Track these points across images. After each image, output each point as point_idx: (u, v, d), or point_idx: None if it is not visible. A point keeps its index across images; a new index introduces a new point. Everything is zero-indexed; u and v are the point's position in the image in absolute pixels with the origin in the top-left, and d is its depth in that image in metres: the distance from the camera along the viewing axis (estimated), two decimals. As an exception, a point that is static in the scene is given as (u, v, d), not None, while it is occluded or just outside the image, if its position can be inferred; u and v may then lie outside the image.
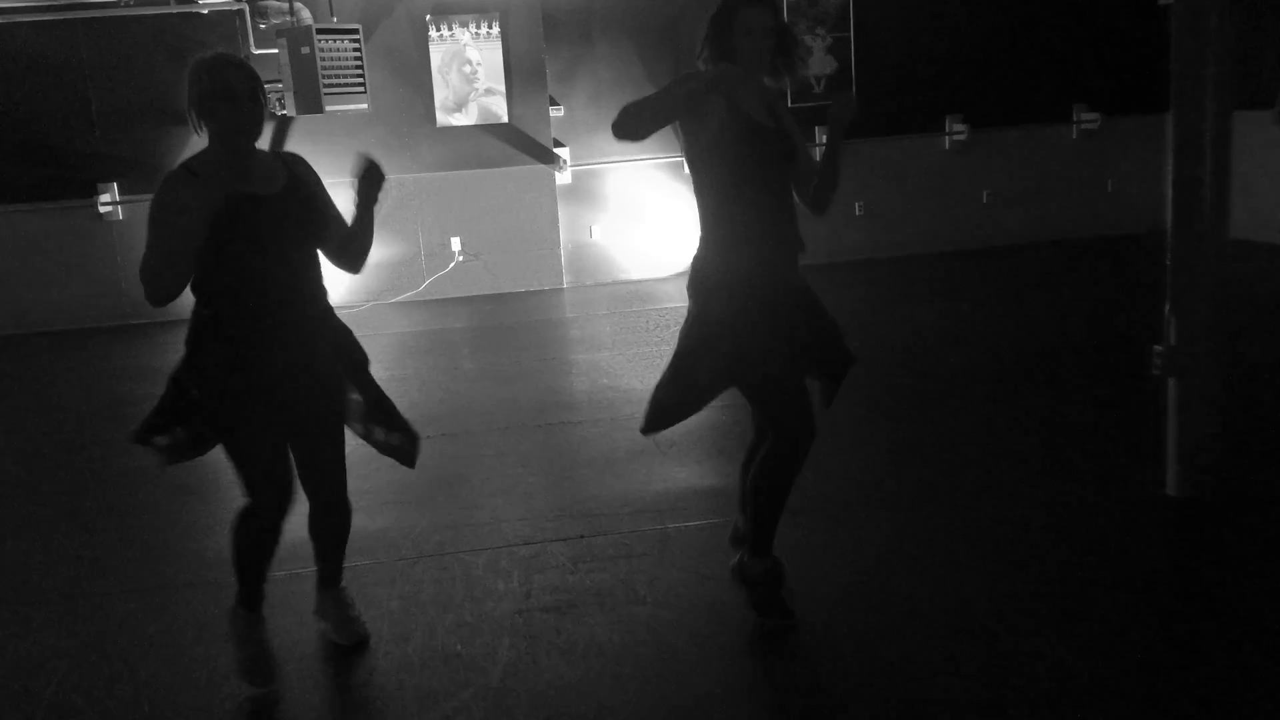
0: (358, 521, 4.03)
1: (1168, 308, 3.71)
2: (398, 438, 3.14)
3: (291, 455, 2.98)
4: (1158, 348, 3.75)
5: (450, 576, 3.59)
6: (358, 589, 3.50)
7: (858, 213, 9.64)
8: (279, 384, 2.85)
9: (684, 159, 3.14)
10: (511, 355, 6.92)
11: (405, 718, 2.78)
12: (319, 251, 2.97)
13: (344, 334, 3.07)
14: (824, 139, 3.07)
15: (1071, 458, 4.37)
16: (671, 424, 3.21)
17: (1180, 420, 3.76)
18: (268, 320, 2.81)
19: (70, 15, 8.28)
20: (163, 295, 2.69)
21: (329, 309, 3.01)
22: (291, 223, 2.82)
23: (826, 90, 9.40)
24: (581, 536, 3.83)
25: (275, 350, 2.83)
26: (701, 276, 3.06)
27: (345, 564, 3.32)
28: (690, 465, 4.56)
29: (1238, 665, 2.79)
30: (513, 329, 7.78)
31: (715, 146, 2.97)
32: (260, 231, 2.76)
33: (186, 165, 2.78)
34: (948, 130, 9.67)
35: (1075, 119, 9.83)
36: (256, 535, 2.98)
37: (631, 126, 2.84)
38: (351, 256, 3.03)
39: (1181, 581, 3.35)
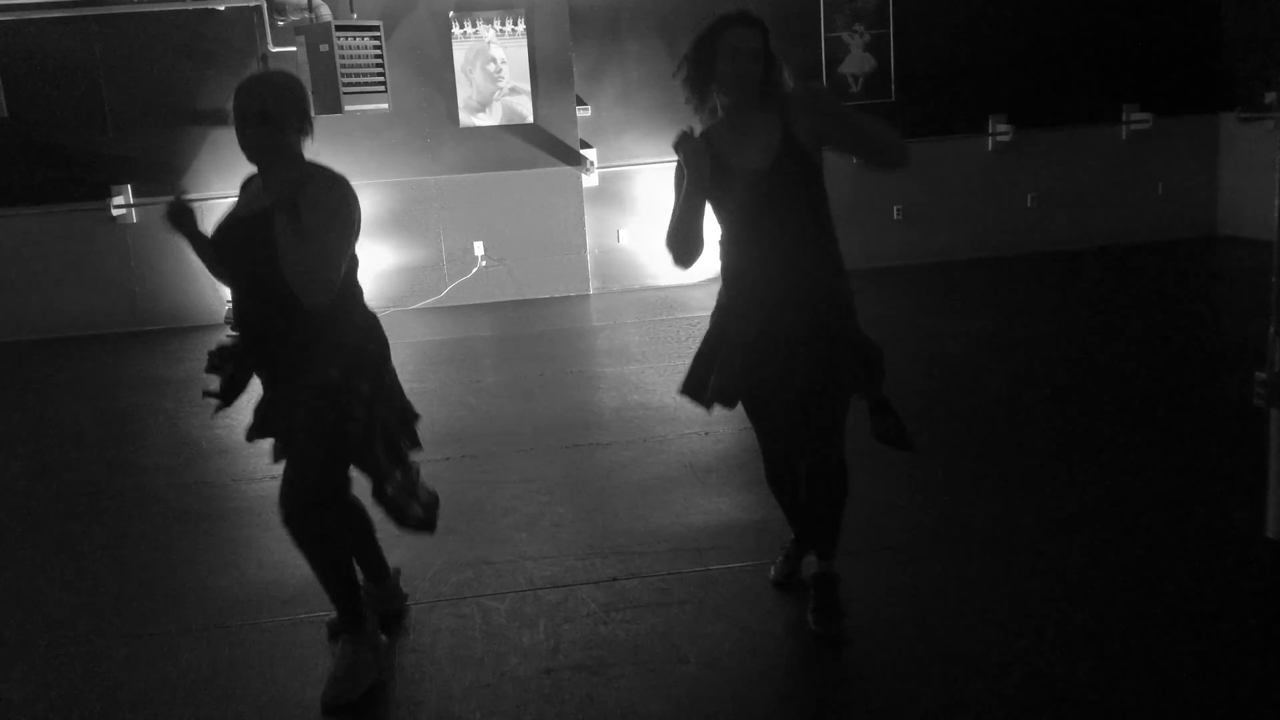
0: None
1: (1272, 330, 3.32)
2: (415, 506, 3.06)
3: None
4: (1261, 375, 3.37)
5: (469, 625, 3.25)
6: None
7: (896, 217, 9.26)
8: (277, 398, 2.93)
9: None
10: (536, 367, 6.58)
11: (417, 802, 2.45)
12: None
13: (350, 349, 2.92)
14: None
15: (1148, 491, 3.98)
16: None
17: None
18: (251, 340, 2.89)
19: (83, 12, 8.02)
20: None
21: (337, 324, 2.88)
22: (258, 244, 2.72)
23: (864, 89, 9.02)
24: (614, 579, 3.48)
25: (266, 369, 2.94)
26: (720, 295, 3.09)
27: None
28: (731, 494, 4.20)
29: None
30: (537, 338, 7.45)
31: (712, 199, 2.94)
32: (233, 253, 2.85)
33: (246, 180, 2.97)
34: (991, 131, 9.26)
35: (1125, 119, 9.39)
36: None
37: (683, 252, 2.90)
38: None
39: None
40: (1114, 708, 2.63)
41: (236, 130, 2.79)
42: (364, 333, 2.97)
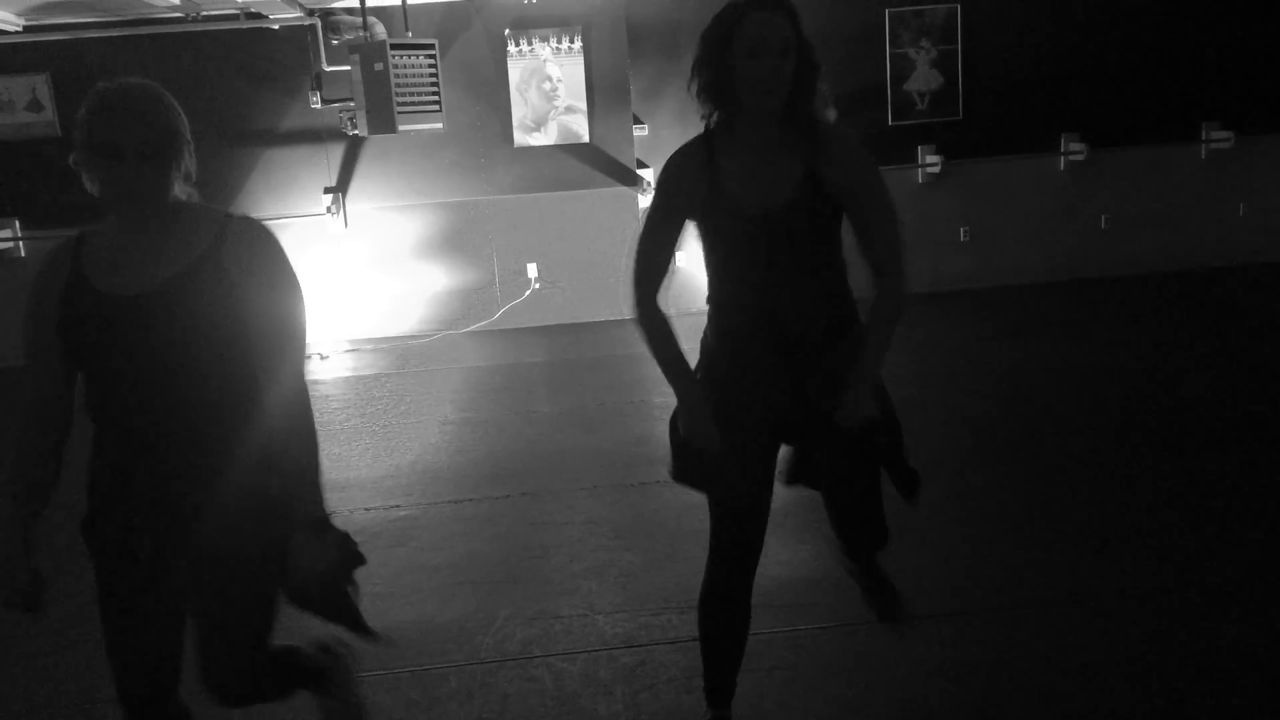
0: (427, 611, 3.50)
1: None
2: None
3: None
4: None
5: (539, 690, 2.99)
6: (428, 701, 2.92)
7: (963, 238, 8.92)
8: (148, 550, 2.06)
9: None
10: (594, 396, 6.33)
11: None
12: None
13: (265, 498, 2.08)
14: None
15: (1255, 545, 3.64)
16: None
17: None
18: (130, 462, 2.04)
19: (137, 31, 7.95)
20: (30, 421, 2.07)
21: (253, 440, 2.07)
22: (165, 331, 1.99)
23: (930, 107, 8.72)
24: (694, 639, 3.20)
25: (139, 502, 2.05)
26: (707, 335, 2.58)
27: (416, 666, 2.74)
28: (811, 541, 3.89)
29: None
30: (593, 364, 7.20)
31: (703, 230, 2.47)
32: (117, 343, 2.00)
33: (81, 234, 2.12)
34: (1063, 150, 8.90)
35: (1205, 137, 8.99)
36: None
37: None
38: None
39: None
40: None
41: (97, 165, 1.98)
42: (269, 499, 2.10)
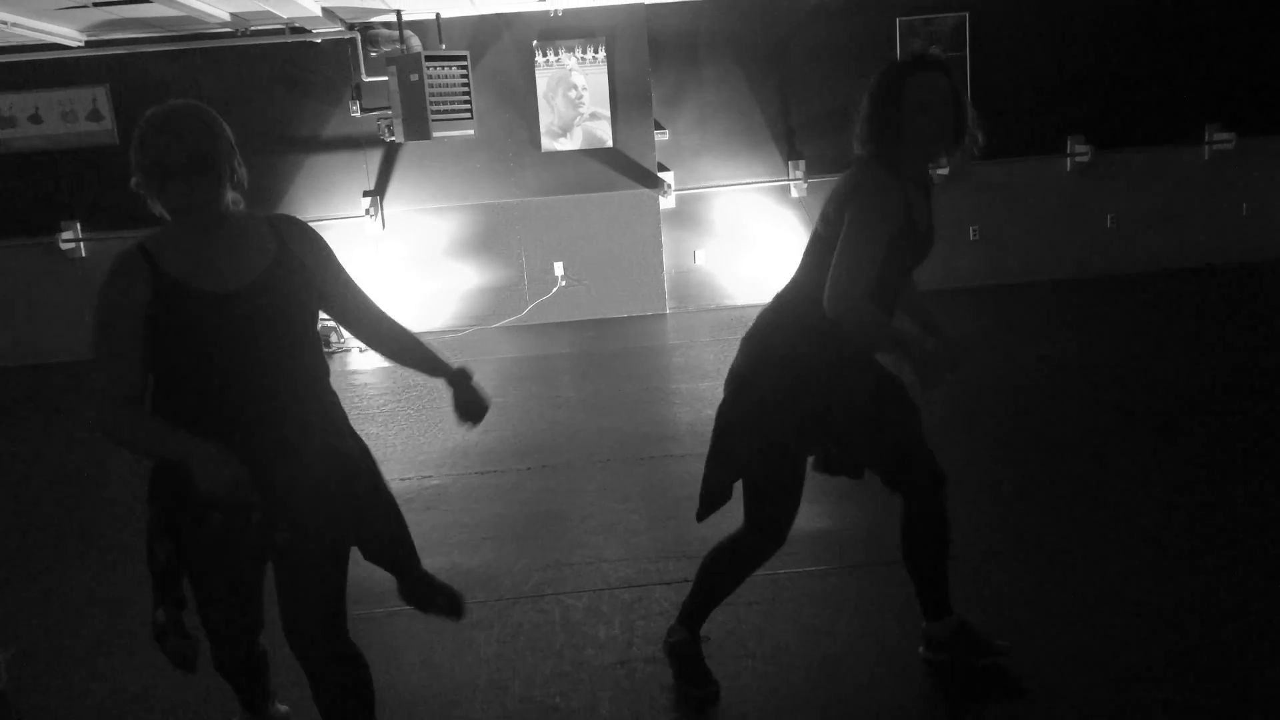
0: (455, 559, 3.96)
1: None
2: (439, 598, 2.70)
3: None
4: None
5: (549, 620, 3.44)
6: (455, 629, 3.38)
7: (972, 237, 9.28)
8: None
9: (821, 232, 2.72)
10: (613, 383, 6.79)
11: (501, 776, 2.64)
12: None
13: (347, 456, 2.45)
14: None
15: (1210, 514, 4.01)
16: (719, 505, 2.93)
17: None
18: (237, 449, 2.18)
19: (190, 45, 8.50)
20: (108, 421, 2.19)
21: (332, 417, 2.45)
22: (264, 322, 2.27)
23: (940, 111, 9.08)
24: (686, 580, 3.61)
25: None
26: (782, 339, 2.75)
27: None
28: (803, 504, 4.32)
29: None
30: (614, 355, 7.66)
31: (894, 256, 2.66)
32: (219, 337, 2.22)
33: (142, 244, 2.26)
34: (1070, 152, 9.24)
35: (1208, 139, 9.29)
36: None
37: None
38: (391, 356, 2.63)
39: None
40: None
41: (153, 185, 2.22)
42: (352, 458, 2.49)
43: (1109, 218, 9.37)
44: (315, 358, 2.41)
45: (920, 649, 3.03)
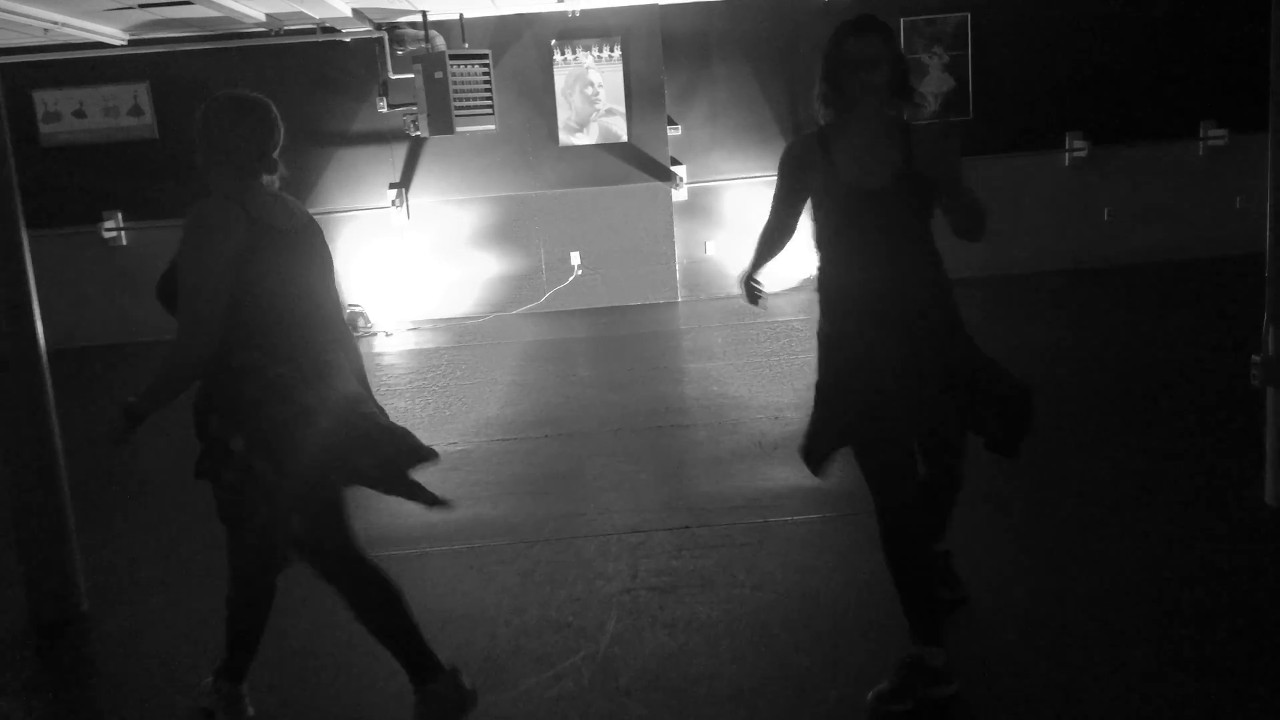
0: (479, 511, 4.38)
1: (1266, 318, 3.74)
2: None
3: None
4: (1256, 358, 3.78)
5: (564, 559, 3.86)
6: (480, 565, 3.81)
7: (973, 230, 9.62)
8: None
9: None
10: (626, 364, 7.19)
11: (522, 675, 3.05)
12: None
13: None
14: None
15: (1173, 470, 4.39)
16: (826, 452, 3.00)
17: (1278, 429, 3.77)
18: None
19: (227, 45, 8.95)
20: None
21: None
22: (313, 262, 2.81)
23: (943, 108, 9.45)
24: (686, 527, 4.06)
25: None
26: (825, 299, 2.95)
27: (471, 545, 3.62)
28: (795, 466, 4.62)
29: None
30: (627, 339, 8.06)
31: (818, 208, 2.89)
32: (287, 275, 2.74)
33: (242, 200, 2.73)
34: (1068, 147, 9.58)
35: (1202, 135, 9.62)
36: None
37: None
38: None
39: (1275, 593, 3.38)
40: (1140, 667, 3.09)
41: (270, 151, 2.83)
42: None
43: (1106, 211, 9.70)
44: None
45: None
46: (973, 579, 3.46)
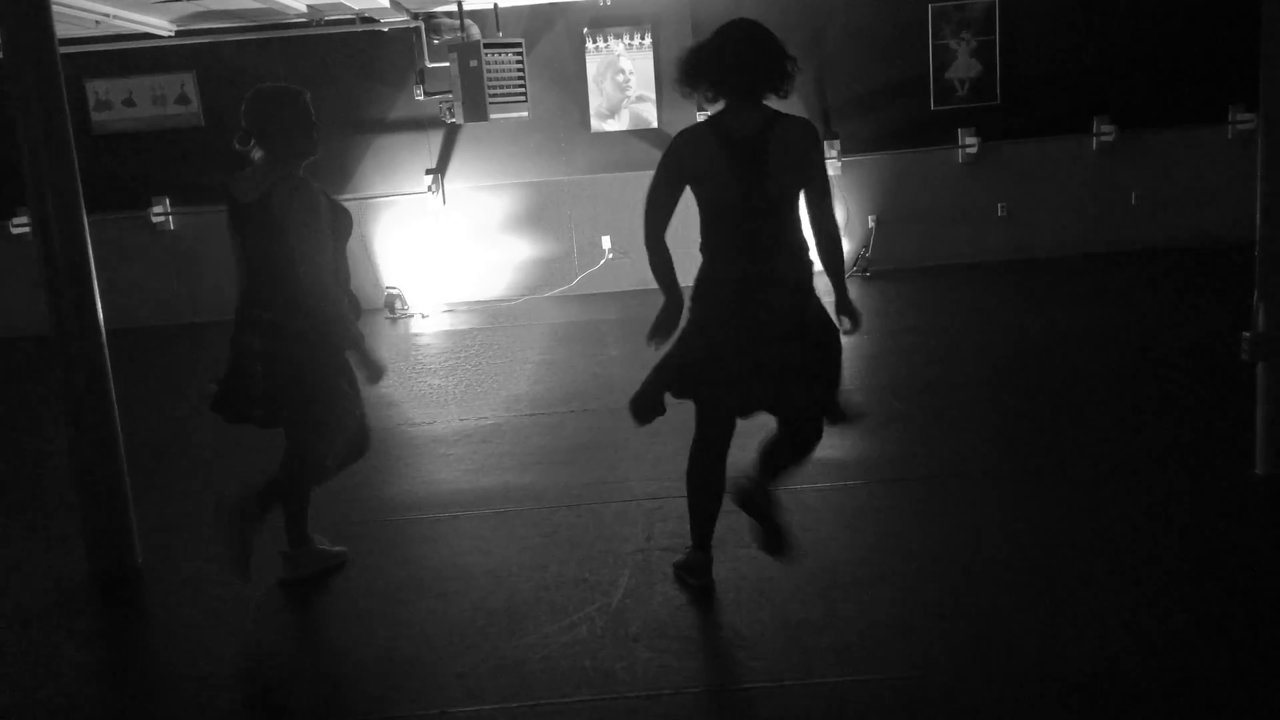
0: (506, 479, 4.63)
1: (1255, 295, 3.88)
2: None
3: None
4: (1246, 334, 3.92)
5: (584, 522, 4.10)
6: (508, 528, 4.06)
7: (1000, 214, 9.72)
8: None
9: None
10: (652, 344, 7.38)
11: (540, 624, 3.29)
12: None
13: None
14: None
15: (1169, 443, 4.55)
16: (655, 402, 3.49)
17: (1268, 401, 3.92)
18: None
19: (270, 35, 9.25)
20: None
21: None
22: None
23: (970, 93, 9.55)
24: (701, 495, 4.26)
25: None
26: (698, 286, 3.43)
27: (497, 509, 3.90)
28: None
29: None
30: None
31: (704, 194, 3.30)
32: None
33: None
34: (1095, 131, 9.63)
35: (1231, 119, 9.63)
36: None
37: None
38: None
39: (1261, 555, 3.54)
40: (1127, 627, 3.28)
41: (313, 133, 3.59)
42: None
43: (1133, 195, 9.75)
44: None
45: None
46: (971, 547, 3.65)
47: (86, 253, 3.96)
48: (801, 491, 4.23)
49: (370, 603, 3.57)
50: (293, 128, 3.50)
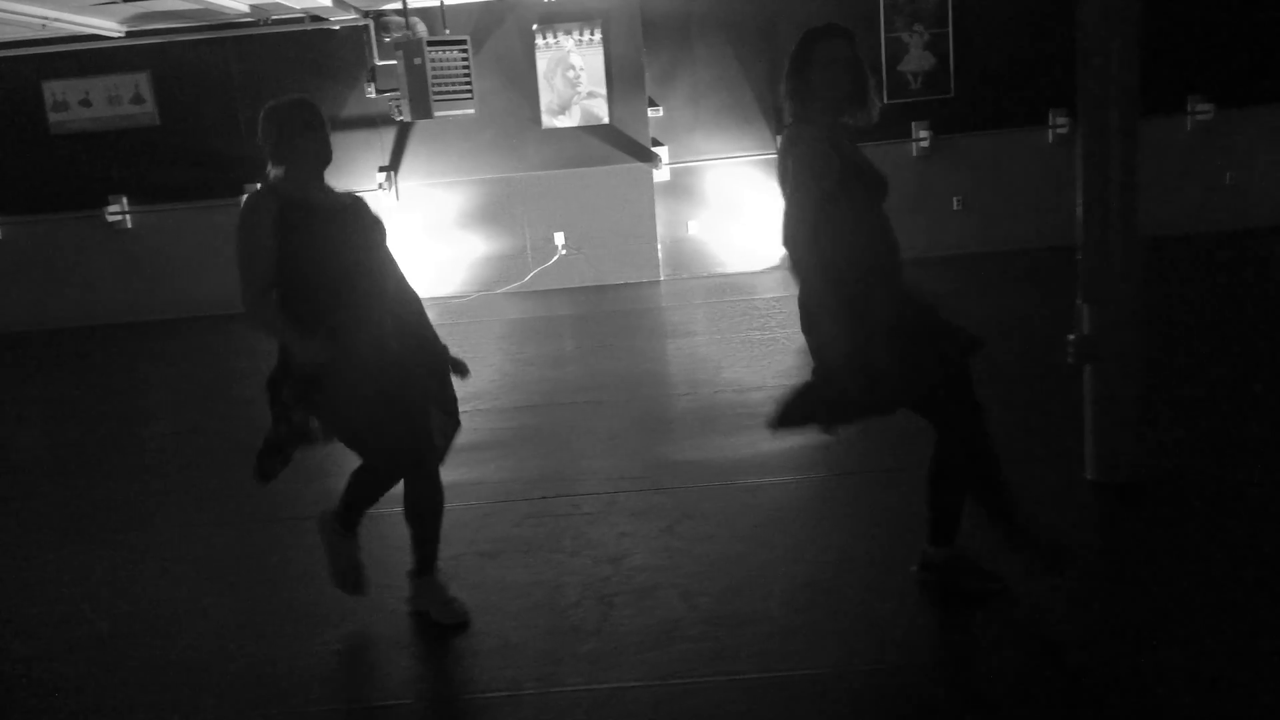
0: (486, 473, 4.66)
1: (1078, 298, 3.84)
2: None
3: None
4: (1070, 337, 3.87)
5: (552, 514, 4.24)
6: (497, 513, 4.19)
7: (956, 207, 9.70)
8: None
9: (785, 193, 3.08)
10: (610, 337, 7.44)
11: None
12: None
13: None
14: None
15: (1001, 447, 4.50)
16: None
17: (1095, 406, 3.88)
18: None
19: (221, 35, 9.26)
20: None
21: None
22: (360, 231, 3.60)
23: (924, 86, 9.51)
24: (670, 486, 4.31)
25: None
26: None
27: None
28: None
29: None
30: (610, 315, 8.28)
31: (840, 188, 2.99)
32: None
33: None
34: (1051, 124, 9.60)
35: (1190, 110, 9.59)
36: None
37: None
38: None
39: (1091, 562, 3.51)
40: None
41: (315, 137, 3.35)
42: None
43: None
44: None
45: (914, 568, 3.35)
46: (800, 551, 3.66)
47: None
48: (758, 485, 4.27)
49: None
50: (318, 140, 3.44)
